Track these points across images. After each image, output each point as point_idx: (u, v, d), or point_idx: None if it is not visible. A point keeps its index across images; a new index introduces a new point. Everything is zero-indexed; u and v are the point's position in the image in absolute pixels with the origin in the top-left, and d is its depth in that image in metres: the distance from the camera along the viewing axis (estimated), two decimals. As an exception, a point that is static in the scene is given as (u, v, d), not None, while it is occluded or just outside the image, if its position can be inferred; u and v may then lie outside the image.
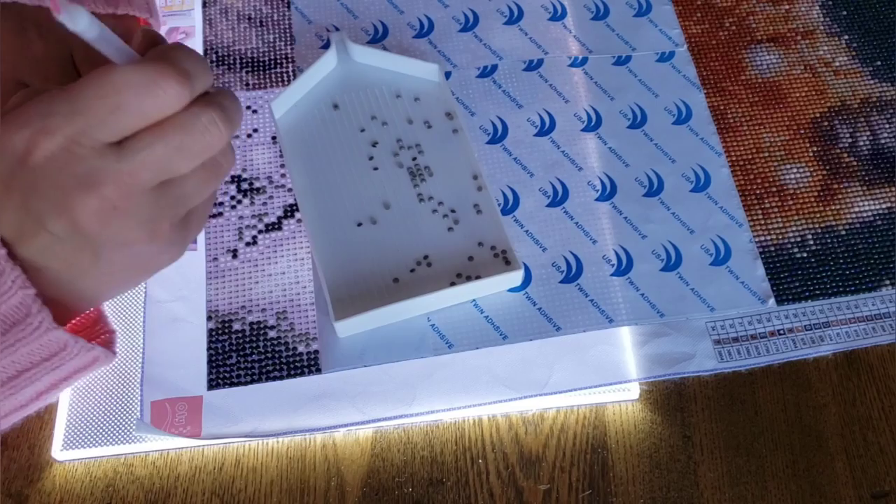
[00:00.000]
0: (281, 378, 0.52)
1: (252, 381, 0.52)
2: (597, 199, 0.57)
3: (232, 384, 0.51)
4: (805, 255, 0.56)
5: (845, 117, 0.61)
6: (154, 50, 0.36)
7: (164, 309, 0.54)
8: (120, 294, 0.45)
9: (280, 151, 0.59)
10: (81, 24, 0.32)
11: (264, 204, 0.57)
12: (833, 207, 0.58)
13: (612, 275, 0.55)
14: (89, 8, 0.53)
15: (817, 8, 0.66)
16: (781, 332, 0.54)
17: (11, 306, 0.36)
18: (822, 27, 0.65)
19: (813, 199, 0.58)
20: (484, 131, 0.60)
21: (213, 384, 0.51)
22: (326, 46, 0.63)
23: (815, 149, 0.60)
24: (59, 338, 0.38)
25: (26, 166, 0.34)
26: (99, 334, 0.45)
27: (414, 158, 0.57)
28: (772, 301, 0.54)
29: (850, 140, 0.60)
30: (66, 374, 0.41)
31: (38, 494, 0.49)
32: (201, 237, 0.56)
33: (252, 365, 0.52)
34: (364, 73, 0.60)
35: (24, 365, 0.39)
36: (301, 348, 0.52)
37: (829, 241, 0.56)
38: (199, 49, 0.63)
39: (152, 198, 0.36)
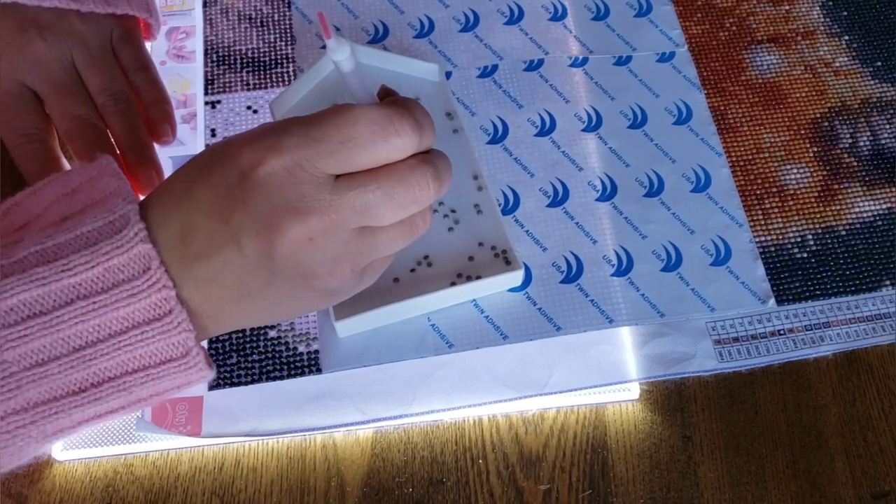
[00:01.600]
0: (281, 378, 0.52)
1: (252, 381, 0.52)
2: (597, 200, 0.57)
3: (232, 384, 0.51)
4: (805, 255, 0.56)
5: (846, 118, 0.61)
6: (392, 98, 0.38)
7: (165, 309, 0.54)
8: (257, 325, 0.45)
9: (280, 151, 0.59)
10: (344, 54, 0.35)
11: (265, 204, 0.57)
12: (833, 208, 0.58)
13: (613, 275, 0.55)
14: (89, 8, 0.54)
15: (818, 8, 0.66)
16: (782, 332, 0.54)
17: (170, 344, 0.36)
18: (822, 27, 0.65)
19: (813, 200, 0.58)
20: (484, 131, 0.60)
21: (213, 384, 0.51)
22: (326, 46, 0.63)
23: (815, 149, 0.60)
24: (201, 375, 0.38)
25: (246, 179, 0.35)
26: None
27: (414, 158, 0.57)
28: (772, 301, 0.54)
29: (850, 140, 0.60)
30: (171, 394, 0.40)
31: (38, 494, 0.49)
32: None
33: (252, 365, 0.52)
34: (364, 73, 0.60)
35: (155, 391, 0.38)
36: (301, 348, 0.52)
37: (829, 241, 0.57)
38: (200, 49, 0.63)
39: (348, 238, 0.37)
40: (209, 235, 0.36)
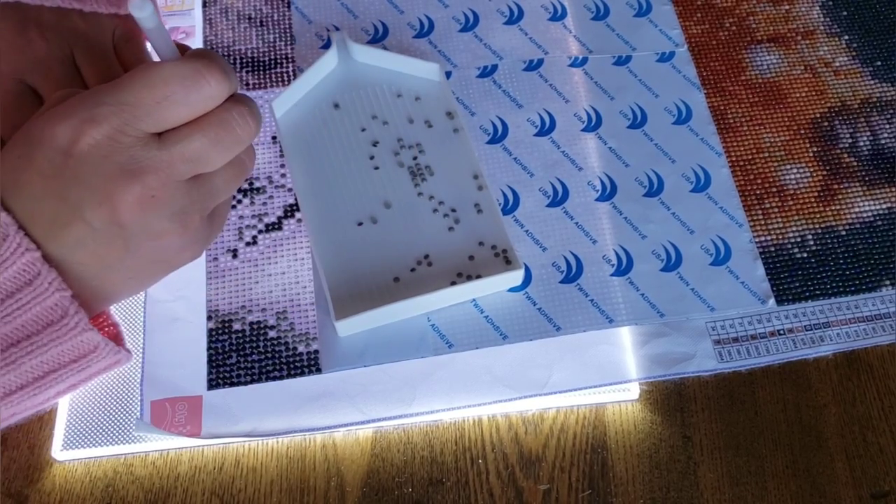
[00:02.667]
0: (281, 378, 0.52)
1: (252, 381, 0.52)
2: (597, 199, 0.57)
3: (232, 384, 0.51)
4: (805, 255, 0.56)
5: (845, 118, 0.61)
6: (193, 50, 0.38)
7: (165, 309, 0.54)
8: (136, 293, 0.45)
9: (280, 151, 0.59)
10: (147, 11, 0.35)
11: (264, 204, 0.57)
12: (833, 208, 0.58)
13: (612, 275, 0.55)
14: (91, 7, 0.54)
15: (817, 8, 0.66)
16: (781, 332, 0.54)
17: (46, 307, 0.36)
18: (822, 27, 0.65)
19: (813, 200, 0.58)
20: (484, 131, 0.60)
21: (213, 384, 0.51)
22: (327, 46, 0.63)
23: (815, 149, 0.60)
24: (91, 339, 0.39)
25: (70, 156, 0.35)
26: (103, 327, 0.46)
27: (415, 158, 0.57)
28: (772, 301, 0.54)
29: (850, 140, 0.60)
30: (89, 375, 0.41)
31: (38, 494, 0.49)
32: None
33: (252, 365, 0.52)
34: (365, 73, 0.60)
35: (52, 366, 0.39)
36: (301, 348, 0.52)
37: (829, 241, 0.57)
38: (199, 49, 0.63)
39: (186, 189, 0.37)
40: (51, 218, 0.36)
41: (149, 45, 0.40)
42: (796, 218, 0.57)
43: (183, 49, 0.40)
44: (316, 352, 0.52)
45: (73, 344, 0.38)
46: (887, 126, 0.61)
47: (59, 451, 0.50)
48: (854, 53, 0.64)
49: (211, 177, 0.39)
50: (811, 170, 0.59)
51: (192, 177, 0.38)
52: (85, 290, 0.38)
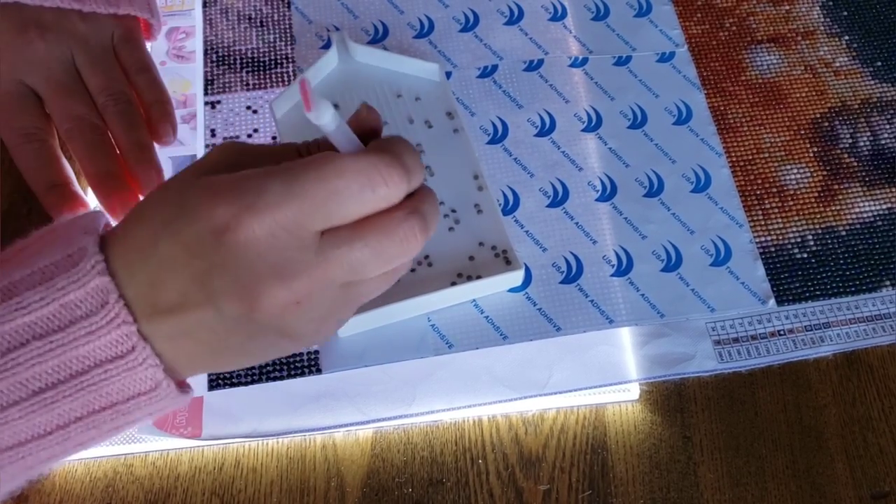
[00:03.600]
0: (281, 378, 0.52)
1: (252, 382, 0.51)
2: (597, 200, 0.57)
3: (232, 384, 0.51)
4: (805, 255, 0.56)
5: (846, 118, 0.61)
6: (377, 141, 0.35)
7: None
8: (235, 369, 0.42)
9: (280, 151, 0.59)
10: (326, 118, 0.32)
11: (264, 204, 0.57)
12: (833, 208, 0.58)
13: (613, 275, 0.55)
14: (90, 8, 0.54)
15: (818, 8, 0.66)
16: (782, 332, 0.54)
17: (136, 380, 0.34)
18: (822, 27, 0.65)
19: (813, 200, 0.58)
20: (484, 132, 0.60)
21: (213, 384, 0.51)
22: (327, 46, 0.63)
23: (815, 149, 0.60)
24: (181, 403, 0.37)
25: (221, 242, 0.32)
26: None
27: (414, 158, 0.57)
28: (772, 301, 0.54)
29: (850, 141, 0.60)
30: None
31: (38, 494, 0.49)
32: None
33: (252, 365, 0.52)
34: (365, 73, 0.60)
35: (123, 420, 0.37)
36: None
37: (829, 241, 0.56)
38: (199, 49, 0.63)
39: (334, 297, 0.35)
40: (181, 294, 0.33)
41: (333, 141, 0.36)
42: (796, 218, 0.57)
43: (371, 130, 0.37)
44: (316, 352, 0.52)
45: (157, 406, 0.36)
46: (888, 126, 0.61)
47: (60, 451, 0.50)
48: (854, 54, 0.64)
49: (362, 284, 0.36)
50: (811, 170, 0.59)
51: (346, 283, 0.35)
52: (193, 363, 0.36)
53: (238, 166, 0.34)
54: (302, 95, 0.31)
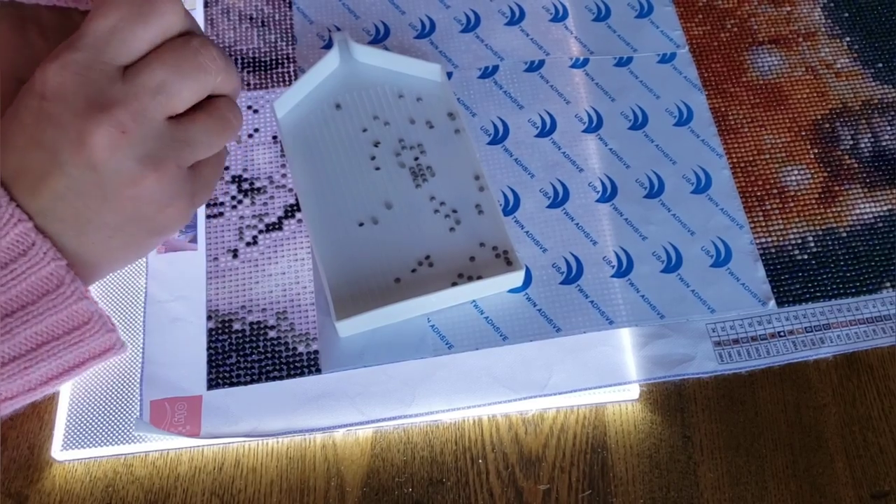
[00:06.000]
0: (281, 378, 0.52)
1: (252, 381, 0.52)
2: (597, 201, 0.57)
3: (231, 384, 0.51)
4: (806, 256, 0.56)
5: (846, 119, 0.61)
6: None
7: (164, 309, 0.54)
8: (124, 262, 0.44)
9: (281, 151, 0.59)
10: None
11: (265, 204, 0.57)
12: (834, 209, 0.58)
13: (613, 276, 0.55)
14: (88, 7, 0.54)
15: (819, 10, 0.66)
16: (782, 333, 0.54)
17: (42, 277, 0.37)
18: (823, 29, 0.65)
19: (814, 201, 0.58)
20: (485, 132, 0.60)
21: (212, 384, 0.51)
22: (328, 46, 0.63)
23: (816, 151, 0.60)
24: (86, 309, 0.39)
25: (44, 98, 0.36)
26: None
27: (416, 158, 0.57)
28: (772, 303, 0.54)
29: (851, 142, 0.60)
30: (81, 358, 0.40)
31: (38, 494, 0.49)
32: (202, 237, 0.56)
33: (252, 365, 0.52)
34: (366, 73, 0.60)
35: (45, 337, 0.39)
36: (301, 348, 0.52)
37: (829, 243, 0.56)
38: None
39: (160, 130, 0.37)
40: (31, 170, 0.36)
41: None
42: (797, 220, 0.57)
43: None
44: (316, 352, 0.52)
45: (67, 314, 0.38)
46: (888, 128, 0.61)
47: (59, 451, 0.50)
48: (855, 55, 0.64)
49: (188, 123, 0.38)
50: (812, 171, 0.59)
51: (168, 119, 0.37)
52: (70, 257, 0.38)
53: None
54: None
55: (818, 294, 0.55)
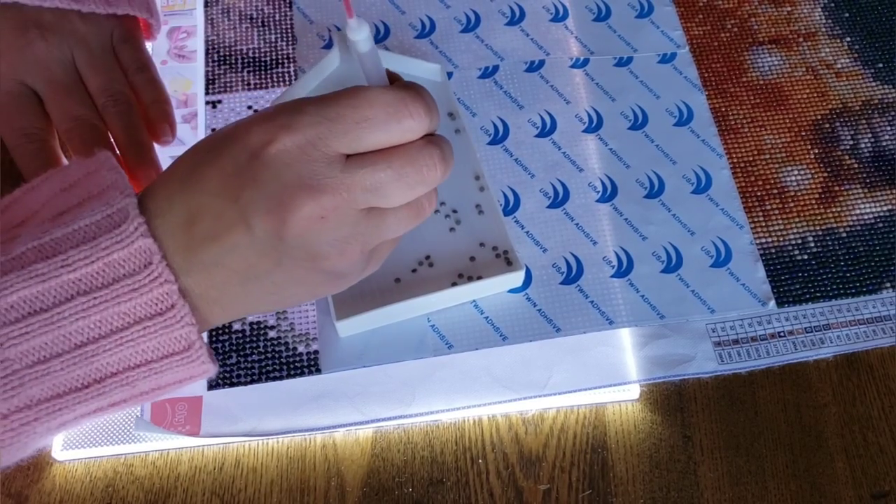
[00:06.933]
0: (281, 378, 0.52)
1: (252, 381, 0.52)
2: (597, 201, 0.57)
3: (232, 384, 0.51)
4: (806, 257, 0.56)
5: (847, 119, 0.61)
6: (401, 81, 0.39)
7: (165, 308, 0.54)
8: (260, 312, 0.43)
9: (281, 151, 0.59)
10: (363, 34, 0.36)
11: (265, 204, 0.57)
12: (834, 210, 0.58)
13: (613, 276, 0.55)
14: (90, 8, 0.54)
15: (819, 10, 0.66)
16: (782, 334, 0.54)
17: (172, 338, 0.36)
18: (823, 29, 0.65)
19: (814, 202, 0.58)
20: (485, 132, 0.60)
21: (212, 384, 0.51)
22: (328, 46, 0.63)
23: (816, 151, 0.60)
24: (205, 370, 0.38)
25: (257, 159, 0.35)
26: None
27: (415, 159, 0.57)
28: (772, 303, 0.54)
29: (851, 142, 0.60)
30: (174, 380, 0.40)
31: (38, 494, 0.49)
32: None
33: (252, 365, 0.52)
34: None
35: (158, 384, 0.38)
36: (301, 348, 0.52)
37: (829, 243, 0.56)
38: (201, 49, 0.63)
39: (357, 219, 0.37)
40: (217, 216, 0.35)
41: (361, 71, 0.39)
42: (797, 220, 0.57)
43: (392, 78, 0.40)
44: (316, 352, 0.52)
45: (187, 370, 0.38)
46: (888, 128, 0.61)
47: (59, 451, 0.50)
48: (856, 55, 0.64)
49: (385, 213, 0.38)
50: (812, 171, 0.59)
51: (367, 209, 0.37)
52: (225, 296, 0.37)
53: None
54: (344, 3, 0.35)
55: (818, 294, 0.55)
